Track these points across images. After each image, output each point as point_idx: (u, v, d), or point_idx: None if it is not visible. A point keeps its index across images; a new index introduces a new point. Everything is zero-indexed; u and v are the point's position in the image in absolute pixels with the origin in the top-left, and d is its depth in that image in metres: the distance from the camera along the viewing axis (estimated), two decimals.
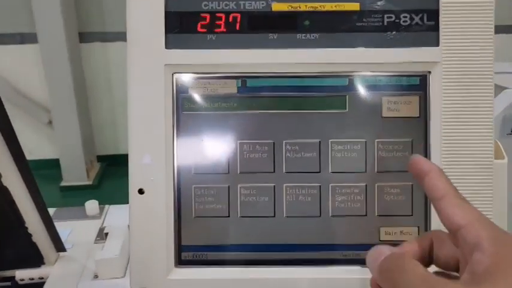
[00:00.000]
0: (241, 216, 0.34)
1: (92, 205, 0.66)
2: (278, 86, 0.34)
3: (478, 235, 0.23)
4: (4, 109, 0.45)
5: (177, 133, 0.34)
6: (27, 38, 2.02)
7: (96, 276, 0.52)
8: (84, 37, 2.09)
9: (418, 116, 0.34)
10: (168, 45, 0.34)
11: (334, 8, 0.34)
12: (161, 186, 0.34)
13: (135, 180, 0.34)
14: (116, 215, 0.65)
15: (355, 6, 0.33)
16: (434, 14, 0.33)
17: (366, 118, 0.34)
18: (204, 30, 0.34)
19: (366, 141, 0.34)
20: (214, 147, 0.34)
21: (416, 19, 0.34)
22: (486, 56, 0.33)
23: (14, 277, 0.54)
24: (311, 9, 0.34)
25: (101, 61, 2.14)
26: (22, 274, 0.54)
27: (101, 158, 2.25)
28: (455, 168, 0.33)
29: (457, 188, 0.33)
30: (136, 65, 0.34)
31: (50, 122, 2.07)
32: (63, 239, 0.55)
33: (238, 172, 0.34)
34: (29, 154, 0.49)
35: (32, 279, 0.54)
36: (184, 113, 0.34)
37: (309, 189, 0.34)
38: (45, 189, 0.51)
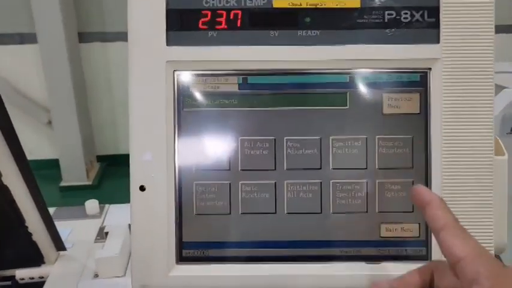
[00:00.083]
0: (243, 213, 0.34)
1: (92, 204, 0.66)
2: (279, 83, 0.34)
3: (476, 270, 0.23)
4: (5, 108, 0.45)
5: (178, 130, 0.34)
6: (26, 38, 2.02)
7: (96, 275, 0.52)
8: (84, 37, 2.09)
9: (418, 112, 0.34)
10: (169, 42, 0.34)
11: (335, 5, 0.34)
12: (162, 183, 0.34)
13: (136, 177, 0.34)
14: (116, 214, 0.65)
15: (355, 3, 0.34)
16: (434, 11, 0.33)
17: (367, 115, 0.34)
18: (205, 27, 0.34)
19: (366, 138, 0.34)
20: (216, 144, 0.34)
21: (417, 16, 0.34)
22: (486, 52, 0.33)
23: (14, 276, 0.54)
24: (312, 6, 0.34)
25: (100, 61, 2.14)
26: (22, 273, 0.53)
27: (100, 158, 2.25)
28: (455, 164, 0.33)
29: (458, 185, 0.33)
30: (137, 62, 0.34)
31: (50, 122, 2.07)
32: (63, 238, 0.55)
33: (240, 169, 0.34)
34: (29, 154, 0.49)
35: (32, 278, 0.54)
36: (186, 110, 0.34)
37: (310, 185, 0.34)
38: (44, 189, 0.51)
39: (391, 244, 0.34)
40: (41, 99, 2.09)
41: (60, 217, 0.63)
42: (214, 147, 0.34)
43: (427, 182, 0.34)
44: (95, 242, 0.58)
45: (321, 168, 0.34)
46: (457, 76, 0.33)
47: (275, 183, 0.34)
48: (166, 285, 0.34)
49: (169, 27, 0.34)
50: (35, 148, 2.10)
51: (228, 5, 0.34)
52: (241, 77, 0.34)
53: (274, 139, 0.34)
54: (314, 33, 0.34)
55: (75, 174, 2.05)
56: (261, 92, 0.34)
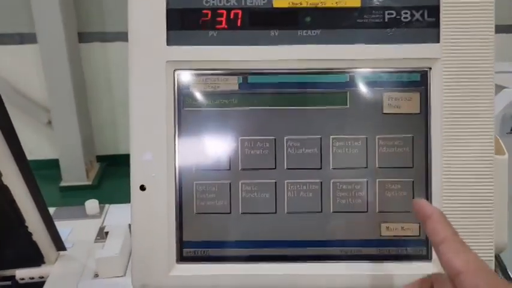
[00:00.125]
0: (243, 213, 0.34)
1: (92, 204, 0.66)
2: (279, 83, 0.34)
3: (476, 284, 0.24)
4: (5, 108, 0.45)
5: (178, 129, 0.34)
6: (26, 38, 2.02)
7: (96, 275, 0.52)
8: (84, 37, 2.09)
9: (418, 112, 0.34)
10: (170, 42, 0.34)
11: (335, 5, 0.34)
12: (163, 182, 0.34)
13: (136, 176, 0.34)
14: (116, 214, 0.65)
15: (356, 3, 0.34)
16: (434, 11, 0.33)
17: (367, 114, 0.34)
18: (206, 27, 0.34)
19: (366, 138, 0.34)
20: (216, 144, 0.34)
21: (417, 15, 0.34)
22: (486, 52, 0.33)
23: (14, 276, 0.54)
24: (312, 5, 0.34)
25: (100, 61, 2.14)
26: (22, 273, 0.53)
27: (100, 158, 2.25)
28: (455, 164, 0.33)
29: (458, 184, 0.33)
30: (137, 62, 0.34)
31: (50, 122, 2.07)
32: (63, 238, 0.55)
33: (240, 168, 0.34)
34: (29, 154, 0.49)
35: (32, 278, 0.54)
36: (186, 110, 0.34)
37: (310, 185, 0.34)
38: (44, 190, 0.51)
39: (392, 243, 0.34)
40: (40, 99, 2.09)
41: (60, 217, 0.63)
42: (215, 147, 0.34)
43: (427, 182, 0.34)
44: (95, 242, 0.58)
45: (321, 168, 0.34)
46: (457, 76, 0.33)
47: (275, 182, 0.34)
48: (166, 284, 0.34)
49: (170, 26, 0.34)
50: (35, 148, 2.11)
51: (228, 4, 0.34)
52: (241, 76, 0.34)
53: (275, 139, 0.34)
54: (314, 32, 0.34)
55: (75, 174, 2.05)
56: (261, 91, 0.34)
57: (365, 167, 0.34)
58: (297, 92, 0.34)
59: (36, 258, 0.53)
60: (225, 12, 0.34)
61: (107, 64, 2.14)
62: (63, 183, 2.07)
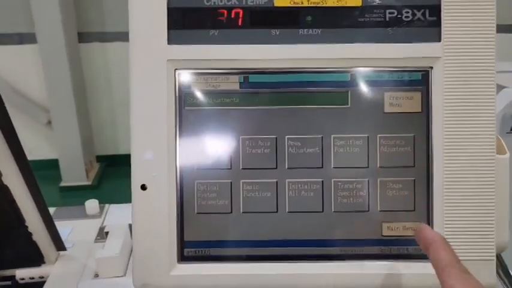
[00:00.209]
0: (244, 212, 0.34)
1: (92, 204, 0.66)
2: (280, 82, 0.34)
3: None
4: (5, 108, 0.45)
5: (179, 129, 0.34)
6: (26, 38, 2.02)
7: (96, 275, 0.52)
8: (83, 37, 2.09)
9: (420, 111, 0.34)
10: (171, 41, 0.34)
11: (336, 4, 0.34)
12: (164, 182, 0.34)
13: (137, 176, 0.34)
14: (116, 214, 0.65)
15: (357, 2, 0.34)
16: (436, 10, 0.33)
17: (368, 113, 0.34)
18: (207, 26, 0.34)
19: (368, 137, 0.34)
20: (217, 143, 0.34)
21: (418, 14, 0.34)
22: (488, 51, 0.33)
23: (14, 276, 0.53)
24: (313, 4, 0.34)
25: (100, 61, 2.14)
26: (22, 273, 0.53)
27: (100, 158, 2.25)
28: (457, 163, 0.33)
29: (459, 184, 0.33)
30: (138, 61, 0.34)
31: (49, 122, 2.06)
32: (63, 238, 0.55)
33: (241, 168, 0.34)
34: (28, 154, 0.49)
35: (32, 278, 0.54)
36: (187, 109, 0.34)
37: (312, 184, 0.34)
38: (44, 190, 0.51)
39: (393, 243, 0.34)
40: (40, 100, 2.09)
41: (60, 217, 0.63)
42: (216, 146, 0.34)
43: (429, 181, 0.34)
44: (95, 242, 0.58)
45: (322, 167, 0.34)
46: (459, 75, 0.33)
47: (276, 182, 0.34)
48: (167, 284, 0.34)
49: (171, 25, 0.34)
50: (35, 148, 2.10)
51: (230, 3, 0.34)
52: (242, 75, 0.34)
53: (276, 138, 0.34)
54: (315, 31, 0.34)
55: (74, 174, 2.05)
56: (262, 90, 0.34)
57: (366, 167, 0.34)
58: (298, 91, 0.34)
59: (36, 258, 0.53)
60: (226, 11, 0.34)
61: (106, 64, 2.14)
62: (62, 184, 2.07)
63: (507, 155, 0.34)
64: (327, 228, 0.34)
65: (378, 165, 0.34)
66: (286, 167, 0.34)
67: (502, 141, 0.35)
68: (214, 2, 0.34)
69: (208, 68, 0.34)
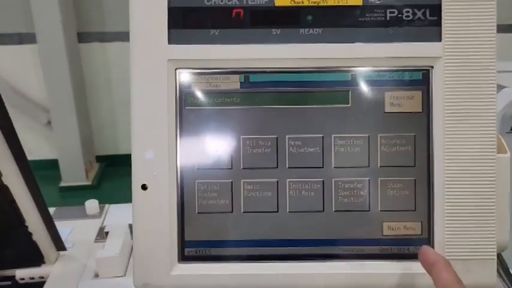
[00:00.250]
0: (244, 212, 0.34)
1: (92, 204, 0.66)
2: (281, 81, 0.34)
3: None
4: (5, 108, 0.45)
5: (180, 128, 0.34)
6: (25, 38, 2.02)
7: (96, 275, 0.52)
8: (83, 37, 2.09)
9: (420, 111, 0.34)
10: (171, 40, 0.34)
11: (337, 3, 0.34)
12: (164, 181, 0.34)
13: (138, 175, 0.34)
14: (116, 214, 0.65)
15: (357, 1, 0.34)
16: (436, 9, 0.33)
17: (369, 113, 0.34)
18: (207, 25, 0.34)
19: (368, 136, 0.34)
20: (217, 143, 0.34)
21: (419, 14, 0.34)
22: (488, 50, 0.33)
23: (14, 276, 0.53)
24: (314, 4, 0.34)
25: (100, 61, 2.13)
26: (22, 273, 0.53)
27: (100, 159, 2.24)
28: (458, 162, 0.33)
29: (460, 183, 0.33)
30: (139, 61, 0.34)
31: (49, 123, 2.06)
32: (63, 238, 0.55)
33: (242, 167, 0.34)
34: (28, 154, 0.49)
35: (32, 278, 0.54)
36: (187, 109, 0.34)
37: (312, 184, 0.34)
38: (44, 190, 0.51)
39: (394, 242, 0.34)
40: (40, 100, 2.09)
41: (60, 217, 0.63)
42: (216, 146, 0.34)
43: (429, 180, 0.34)
44: (95, 242, 0.58)
45: (323, 167, 0.34)
46: (459, 74, 0.33)
47: (277, 181, 0.34)
48: (168, 284, 0.34)
49: (171, 25, 0.34)
50: (34, 148, 2.10)
51: (230, 3, 0.34)
52: (243, 75, 0.34)
53: (276, 137, 0.34)
54: (316, 31, 0.34)
55: (74, 174, 2.05)
56: (262, 90, 0.34)
57: (367, 166, 0.34)
58: (298, 91, 0.34)
59: (36, 258, 0.53)
60: (226, 10, 0.34)
61: (106, 64, 2.14)
62: (62, 184, 2.06)
63: (508, 155, 0.34)
64: (327, 227, 0.34)
65: (379, 165, 0.34)
66: (287, 166, 0.34)
67: (503, 140, 0.35)
68: (214, 2, 0.34)
69: (208, 67, 0.34)
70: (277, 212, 0.34)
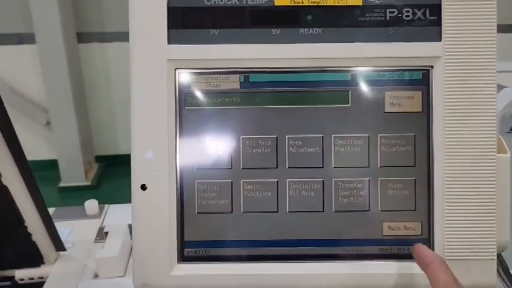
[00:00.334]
0: (244, 212, 0.34)
1: (91, 204, 0.66)
2: (281, 81, 0.34)
3: None
4: (4, 109, 0.45)
5: (179, 128, 0.34)
6: (25, 38, 2.02)
7: (96, 276, 0.52)
8: (83, 37, 2.08)
9: (420, 110, 0.34)
10: (171, 40, 0.34)
11: (336, 3, 0.34)
12: (164, 181, 0.34)
13: (137, 176, 0.34)
14: (116, 214, 0.65)
15: (357, 1, 0.33)
16: (436, 9, 0.33)
17: (369, 113, 0.34)
18: (207, 25, 0.34)
19: (368, 136, 0.34)
20: (217, 143, 0.34)
21: (419, 14, 0.34)
22: (488, 50, 0.33)
23: (13, 277, 0.53)
24: (313, 3, 0.34)
25: (99, 61, 2.13)
26: (22, 274, 0.53)
27: (99, 159, 2.24)
28: (458, 162, 0.33)
29: (460, 183, 0.33)
30: (139, 61, 0.34)
31: (48, 123, 2.06)
32: (63, 239, 0.55)
33: (241, 167, 0.34)
34: (27, 155, 0.49)
35: (32, 278, 0.54)
36: (187, 108, 0.34)
37: (312, 184, 0.34)
38: (43, 190, 0.51)
39: (394, 242, 0.34)
40: (39, 100, 2.09)
41: (59, 217, 0.63)
42: (216, 146, 0.34)
43: (429, 180, 0.34)
44: (95, 242, 0.58)
45: (323, 167, 0.34)
46: (459, 74, 0.33)
47: (277, 181, 0.34)
48: (167, 284, 0.34)
49: (171, 25, 0.34)
50: (34, 149, 2.10)
51: (230, 3, 0.34)
52: (242, 75, 0.34)
53: (276, 137, 0.34)
54: (316, 31, 0.34)
55: (74, 174, 2.05)
56: (262, 90, 0.34)
57: (367, 166, 0.34)
58: (298, 91, 0.34)
59: (35, 259, 0.53)
60: (226, 10, 0.34)
61: (105, 64, 2.14)
62: (62, 184, 2.06)
63: (508, 155, 0.34)
64: (327, 228, 0.34)
65: (379, 165, 0.34)
66: (287, 166, 0.34)
67: (503, 140, 0.35)
68: (214, 2, 0.34)
69: (208, 67, 0.34)
70: (277, 212, 0.34)
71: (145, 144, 0.34)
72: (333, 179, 0.34)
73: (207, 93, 0.34)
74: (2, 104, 0.44)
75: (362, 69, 0.34)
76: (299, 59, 0.34)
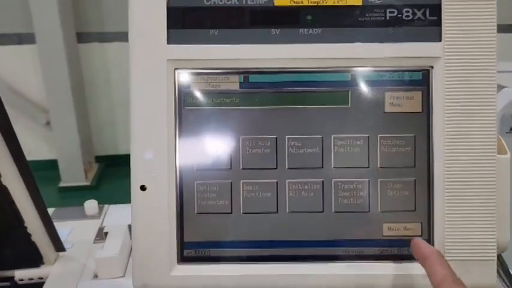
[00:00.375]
0: (244, 213, 0.34)
1: (91, 205, 0.66)
2: (280, 82, 0.34)
3: None
4: (4, 109, 0.45)
5: (179, 129, 0.34)
6: (24, 38, 2.02)
7: (96, 276, 0.52)
8: (83, 37, 2.08)
9: (420, 111, 0.34)
10: (170, 40, 0.33)
11: (336, 3, 0.33)
12: (163, 182, 0.33)
13: (137, 176, 0.34)
14: (115, 215, 0.65)
15: (357, 1, 0.33)
16: (436, 9, 0.33)
17: (369, 113, 0.34)
18: (206, 25, 0.34)
19: (368, 137, 0.34)
20: (217, 143, 0.34)
21: (419, 14, 0.34)
22: (488, 50, 0.33)
23: (13, 277, 0.53)
24: (313, 4, 0.33)
25: (99, 61, 2.13)
26: (21, 274, 0.53)
27: (99, 159, 2.24)
28: (458, 163, 0.33)
29: (460, 184, 0.33)
30: (138, 61, 0.33)
31: (48, 123, 2.06)
32: (62, 239, 0.55)
33: (241, 168, 0.34)
34: (27, 155, 0.49)
35: (32, 279, 0.54)
36: (187, 109, 0.34)
37: (312, 184, 0.34)
38: (43, 190, 0.51)
39: (394, 243, 0.34)
40: (39, 100, 2.09)
41: (59, 217, 0.63)
42: (216, 146, 0.34)
43: (429, 181, 0.34)
44: (94, 243, 0.58)
45: (322, 167, 0.34)
46: (459, 74, 0.33)
47: (277, 182, 0.34)
48: (167, 284, 0.34)
49: (170, 25, 0.33)
50: (34, 149, 2.10)
51: (229, 3, 0.34)
52: (242, 75, 0.34)
53: (276, 138, 0.34)
54: (315, 31, 0.34)
55: (73, 174, 2.05)
56: (262, 90, 0.34)
57: (367, 167, 0.34)
58: (298, 91, 0.34)
59: (35, 259, 0.53)
60: (225, 10, 0.34)
61: (105, 64, 2.14)
62: (61, 184, 2.06)
63: (508, 155, 0.34)
64: (327, 228, 0.34)
65: (379, 166, 0.34)
66: (287, 167, 0.34)
67: (503, 141, 0.35)
68: (214, 2, 0.34)
69: (208, 67, 0.34)
70: (277, 212, 0.34)
71: (144, 145, 0.34)
72: (333, 180, 0.34)
73: (206, 93, 0.34)
74: (2, 104, 0.44)
75: (362, 70, 0.34)
76: (299, 59, 0.34)
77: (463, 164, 0.33)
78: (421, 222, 0.34)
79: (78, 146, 2.02)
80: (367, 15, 0.33)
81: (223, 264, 0.34)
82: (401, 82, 0.34)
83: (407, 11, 0.34)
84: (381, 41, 0.33)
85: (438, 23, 0.33)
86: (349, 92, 0.34)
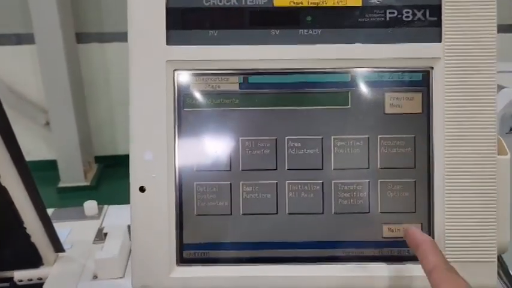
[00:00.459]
0: (244, 214, 0.34)
1: (90, 205, 0.65)
2: (280, 83, 0.34)
3: None
4: (3, 109, 0.45)
5: (178, 130, 0.34)
6: (24, 38, 2.02)
7: (95, 277, 0.51)
8: (82, 38, 2.08)
9: (420, 112, 0.34)
10: (170, 41, 0.33)
11: (336, 4, 0.33)
12: (163, 183, 0.33)
13: (136, 177, 0.33)
14: (115, 215, 0.65)
15: (357, 2, 0.33)
16: (436, 10, 0.33)
17: (369, 114, 0.34)
18: (206, 26, 0.34)
19: (368, 138, 0.34)
20: (216, 144, 0.34)
21: (419, 15, 0.33)
22: (488, 50, 0.33)
23: (12, 278, 0.53)
24: (313, 4, 0.33)
25: (98, 62, 2.13)
26: (20, 275, 0.53)
27: (99, 159, 2.24)
28: (458, 164, 0.33)
29: (460, 185, 0.33)
30: (137, 62, 0.33)
31: (48, 123, 2.06)
32: (62, 240, 0.55)
33: (240, 169, 0.34)
34: (27, 155, 0.48)
35: (31, 280, 0.54)
36: (186, 110, 0.34)
37: (312, 186, 0.34)
38: (42, 191, 0.50)
39: (393, 245, 0.34)
40: (38, 101, 2.09)
41: (58, 218, 0.63)
42: (215, 147, 0.34)
43: (430, 182, 0.34)
44: (94, 243, 0.58)
45: (322, 169, 0.34)
46: (459, 75, 0.33)
47: (276, 183, 0.34)
48: (167, 286, 0.34)
49: (170, 26, 0.33)
50: (33, 149, 2.10)
51: (229, 3, 0.34)
52: (242, 76, 0.34)
53: (276, 139, 0.34)
54: (315, 32, 0.34)
55: (73, 175, 2.05)
56: (261, 91, 0.34)
57: (367, 168, 0.34)
58: (298, 92, 0.34)
59: (34, 260, 0.53)
60: (225, 11, 0.33)
61: (105, 65, 2.14)
62: (61, 184, 2.06)
63: (508, 156, 0.34)
64: (327, 230, 0.34)
65: (379, 167, 0.34)
66: (286, 168, 0.34)
67: (503, 142, 0.35)
68: (213, 2, 0.34)
69: (207, 68, 0.34)
70: (277, 214, 0.34)
71: (144, 146, 0.33)
72: (333, 181, 0.34)
73: (206, 94, 0.34)
74: (1, 104, 0.44)
75: (362, 70, 0.34)
76: (298, 60, 0.34)
77: (463, 165, 0.33)
78: (421, 224, 0.34)
79: (77, 146, 2.02)
80: (367, 16, 0.33)
81: (223, 266, 0.34)
82: (401, 83, 0.34)
83: (407, 12, 0.33)
84: (380, 42, 0.33)
85: (438, 24, 0.33)
86: (349, 93, 0.34)
